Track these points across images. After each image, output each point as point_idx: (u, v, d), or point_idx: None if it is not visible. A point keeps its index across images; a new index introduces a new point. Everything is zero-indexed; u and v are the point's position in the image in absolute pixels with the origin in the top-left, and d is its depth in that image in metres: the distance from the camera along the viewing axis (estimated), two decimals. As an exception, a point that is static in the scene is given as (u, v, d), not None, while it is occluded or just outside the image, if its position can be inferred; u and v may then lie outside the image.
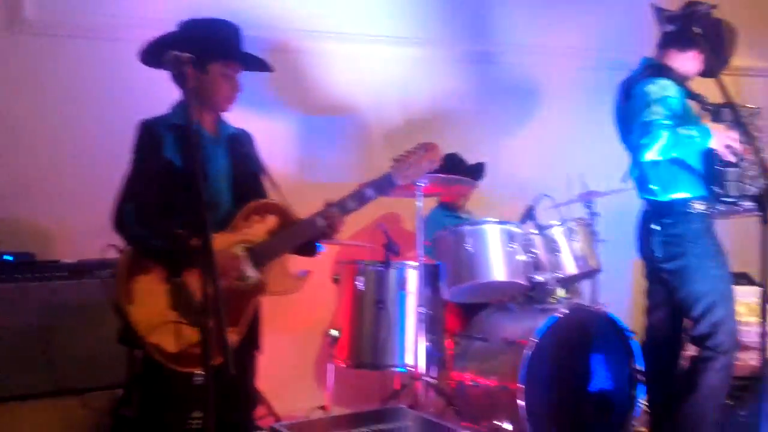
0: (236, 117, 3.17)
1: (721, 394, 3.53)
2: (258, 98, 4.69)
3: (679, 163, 3.50)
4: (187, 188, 2.69)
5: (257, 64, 2.97)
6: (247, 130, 3.10)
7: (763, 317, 2.75)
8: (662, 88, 3.43)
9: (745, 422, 3.83)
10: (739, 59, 3.65)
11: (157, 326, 2.64)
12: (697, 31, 3.41)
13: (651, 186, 3.61)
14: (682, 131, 3.35)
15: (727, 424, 3.79)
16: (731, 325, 3.50)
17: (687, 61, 3.59)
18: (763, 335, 2.75)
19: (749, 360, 4.09)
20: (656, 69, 3.57)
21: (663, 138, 3.32)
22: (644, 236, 3.68)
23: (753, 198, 3.24)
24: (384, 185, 2.99)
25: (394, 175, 3.01)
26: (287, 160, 4.93)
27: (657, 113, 3.35)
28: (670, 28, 3.52)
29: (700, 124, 3.42)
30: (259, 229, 2.84)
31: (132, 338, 2.68)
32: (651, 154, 3.38)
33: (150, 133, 2.79)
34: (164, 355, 2.66)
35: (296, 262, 3.15)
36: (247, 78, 2.95)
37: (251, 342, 2.92)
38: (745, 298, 4.08)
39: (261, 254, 2.81)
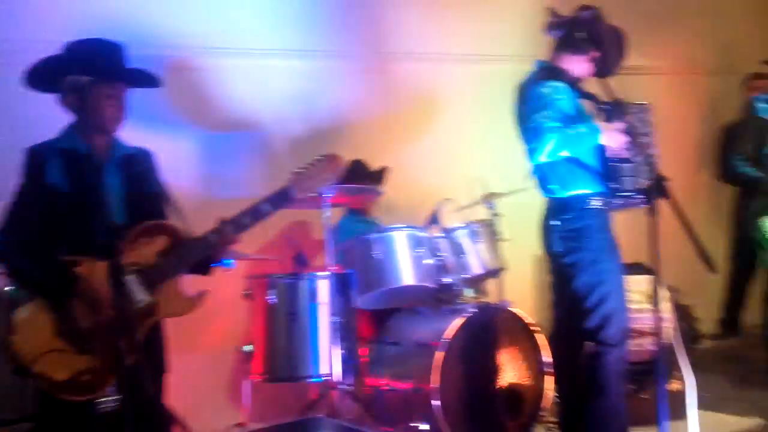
0: (139, 137, 3.16)
1: (620, 384, 3.63)
2: (160, 117, 4.66)
3: (575, 162, 3.61)
4: (77, 213, 2.69)
5: (144, 81, 2.95)
6: (146, 148, 3.08)
7: (656, 303, 2.90)
8: (553, 90, 3.53)
9: (647, 404, 4.01)
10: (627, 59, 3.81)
11: (42, 355, 2.61)
12: (581, 35, 3.56)
13: (550, 185, 3.72)
14: (571, 131, 3.45)
15: (632, 407, 3.96)
16: (622, 317, 3.62)
17: (578, 64, 3.69)
18: (656, 320, 2.91)
19: (647, 345, 4.28)
20: (549, 72, 3.67)
21: (551, 140, 3.41)
22: (546, 232, 3.80)
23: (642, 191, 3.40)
24: (281, 199, 2.99)
25: (292, 188, 3.03)
26: (193, 177, 4.88)
27: (545, 116, 3.44)
28: (557, 33, 3.66)
29: (589, 123, 3.53)
30: (148, 250, 2.81)
31: (19, 368, 2.63)
32: (542, 157, 3.48)
33: (33, 159, 2.76)
34: (52, 384, 2.62)
35: (197, 281, 3.16)
36: (149, 98, 2.94)
37: (157, 365, 2.90)
38: (640, 286, 4.26)
39: (151, 276, 2.79)
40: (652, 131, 3.78)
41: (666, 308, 4.48)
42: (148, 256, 2.81)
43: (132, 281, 2.75)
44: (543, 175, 3.75)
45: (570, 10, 3.76)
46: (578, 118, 3.57)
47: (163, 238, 2.85)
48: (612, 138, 3.52)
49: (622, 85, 3.65)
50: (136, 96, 2.97)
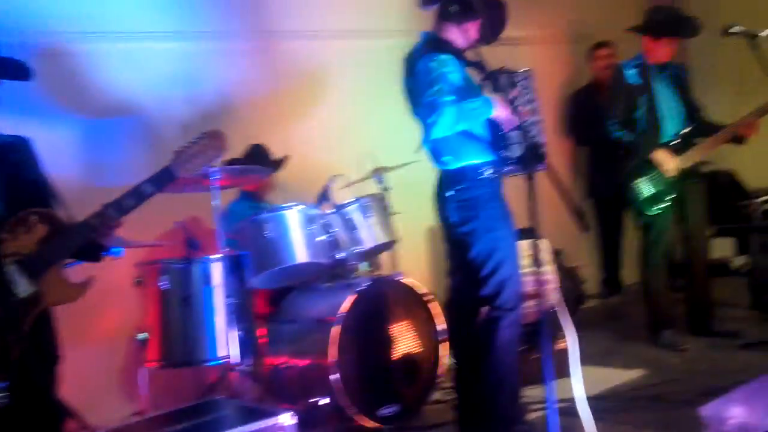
0: (15, 126, 3.07)
1: (513, 346, 3.76)
2: (36, 105, 4.50)
3: (466, 134, 3.65)
4: None
5: (14, 72, 2.87)
6: (24, 136, 3.00)
7: (537, 266, 3.02)
8: (441, 63, 3.55)
9: (537, 363, 4.17)
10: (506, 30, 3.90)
11: None
12: (453, 9, 3.60)
13: (443, 157, 3.76)
14: (466, 105, 3.51)
15: (523, 368, 4.11)
16: (516, 282, 3.73)
17: (461, 34, 3.70)
18: (539, 283, 3.03)
19: (535, 307, 4.44)
20: (435, 43, 3.68)
21: (448, 115, 3.45)
22: (440, 203, 3.85)
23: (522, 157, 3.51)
24: (163, 179, 2.96)
25: (174, 167, 2.99)
26: (73, 165, 4.74)
27: (439, 91, 3.47)
28: (430, 6, 3.66)
29: (482, 95, 3.58)
30: (28, 239, 2.76)
31: None
32: (439, 132, 3.52)
33: None
34: None
35: (87, 269, 3.12)
36: (23, 86, 2.85)
37: (45, 356, 2.85)
38: (528, 250, 4.40)
39: (33, 265, 2.74)
40: (536, 98, 3.93)
41: (550, 270, 4.69)
42: (28, 245, 2.75)
43: (13, 271, 2.69)
44: (435, 148, 3.79)
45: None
46: (468, 89, 3.62)
47: (43, 226, 2.79)
48: (504, 109, 3.61)
49: (498, 54, 3.75)
50: (8, 84, 2.87)
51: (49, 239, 2.79)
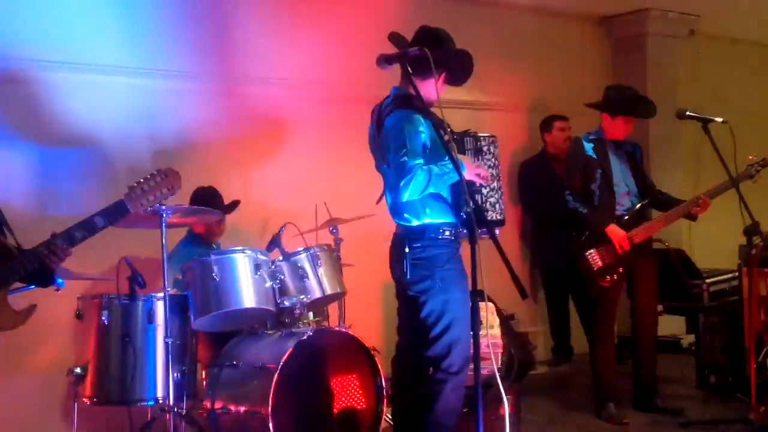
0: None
1: (455, 410, 3.73)
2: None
3: (431, 194, 3.65)
4: None
5: None
6: None
7: (475, 329, 3.01)
8: (412, 123, 3.55)
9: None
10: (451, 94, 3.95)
11: None
12: (415, 65, 3.50)
13: (405, 213, 3.74)
14: (436, 170, 3.52)
15: (463, 428, 4.09)
16: (465, 345, 3.69)
17: (429, 87, 3.65)
18: (476, 347, 3.01)
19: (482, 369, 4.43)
20: (404, 99, 3.67)
21: (418, 179, 3.46)
22: (397, 258, 3.81)
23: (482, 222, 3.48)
24: (115, 213, 2.97)
25: (128, 202, 3.01)
26: (26, 194, 4.71)
27: (411, 153, 3.48)
28: (388, 67, 3.53)
29: (452, 158, 3.45)
30: None
31: None
32: (411, 195, 3.52)
33: None
34: None
35: (26, 296, 3.07)
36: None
37: None
38: (482, 312, 4.41)
39: None
40: (498, 164, 3.98)
41: (496, 334, 4.70)
42: None
43: None
44: (397, 204, 3.76)
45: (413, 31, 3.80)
46: (435, 149, 3.61)
47: None
48: (473, 172, 3.63)
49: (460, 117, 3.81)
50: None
51: None
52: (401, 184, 3.50)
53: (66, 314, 4.21)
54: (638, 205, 5.14)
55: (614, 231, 5.02)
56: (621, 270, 5.07)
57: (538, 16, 7.17)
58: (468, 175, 3.60)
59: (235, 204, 5.02)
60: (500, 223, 3.99)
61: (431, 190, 3.59)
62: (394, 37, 3.80)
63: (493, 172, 3.93)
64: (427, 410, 3.70)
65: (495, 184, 3.94)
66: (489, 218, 3.78)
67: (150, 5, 5.23)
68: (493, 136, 3.98)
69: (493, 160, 3.97)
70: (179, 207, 4.12)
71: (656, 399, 5.28)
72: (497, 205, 3.96)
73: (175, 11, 5.34)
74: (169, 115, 5.27)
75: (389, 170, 3.67)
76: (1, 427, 3.88)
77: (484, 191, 3.88)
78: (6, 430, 4.01)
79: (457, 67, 3.80)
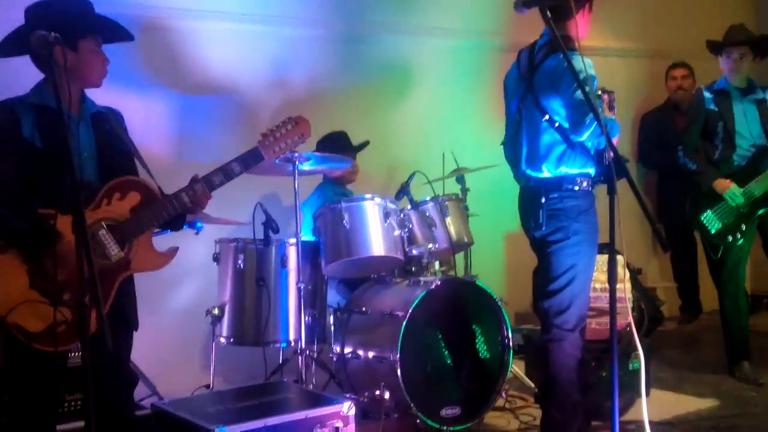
0: (111, 96, 3.17)
1: (572, 366, 3.61)
2: (133, 77, 4.64)
3: (578, 143, 3.51)
4: (50, 169, 2.70)
5: (119, 35, 2.97)
6: (115, 108, 3.09)
7: (612, 282, 2.93)
8: (587, 66, 3.26)
9: (606, 381, 4.09)
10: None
11: (17, 306, 2.62)
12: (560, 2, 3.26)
13: (543, 164, 3.61)
14: (612, 121, 3.36)
15: (592, 383, 4.04)
16: (584, 303, 3.61)
17: (576, 26, 3.43)
18: (612, 300, 2.94)
19: (607, 324, 4.35)
20: (565, 40, 3.41)
21: (606, 125, 3.17)
22: (530, 209, 3.68)
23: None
24: (251, 159, 3.05)
25: (262, 149, 3.08)
26: (165, 139, 4.89)
27: (591, 93, 3.21)
28: (524, 11, 3.35)
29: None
30: (122, 206, 2.84)
31: None
32: (590, 134, 3.36)
33: (8, 114, 2.76)
34: (26, 335, 2.64)
35: (167, 238, 3.20)
36: (121, 57, 2.94)
37: (124, 321, 2.93)
38: (604, 266, 4.31)
39: (124, 232, 2.82)
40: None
41: (626, 288, 4.58)
42: (121, 212, 2.84)
43: (104, 236, 2.78)
44: (535, 152, 3.63)
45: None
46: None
47: (136, 195, 2.88)
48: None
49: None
50: (107, 51, 2.97)
51: (142, 208, 2.87)
52: (587, 120, 3.31)
53: (204, 257, 4.38)
54: (752, 156, 4.85)
55: (722, 184, 4.77)
56: (742, 228, 4.83)
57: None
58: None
59: (364, 144, 5.06)
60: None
61: (598, 140, 3.42)
62: None
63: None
64: (545, 365, 3.64)
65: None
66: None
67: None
68: (613, 92, 3.80)
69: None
70: (312, 154, 4.18)
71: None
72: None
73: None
74: (299, 63, 5.33)
75: (554, 111, 3.50)
76: (145, 362, 4.09)
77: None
78: (149, 366, 4.23)
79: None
